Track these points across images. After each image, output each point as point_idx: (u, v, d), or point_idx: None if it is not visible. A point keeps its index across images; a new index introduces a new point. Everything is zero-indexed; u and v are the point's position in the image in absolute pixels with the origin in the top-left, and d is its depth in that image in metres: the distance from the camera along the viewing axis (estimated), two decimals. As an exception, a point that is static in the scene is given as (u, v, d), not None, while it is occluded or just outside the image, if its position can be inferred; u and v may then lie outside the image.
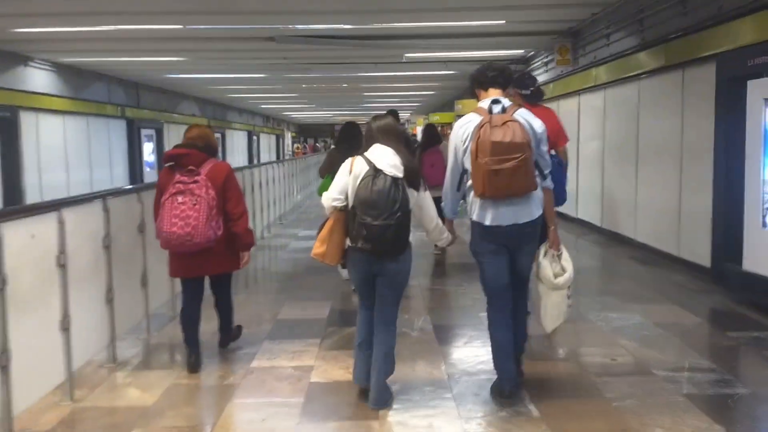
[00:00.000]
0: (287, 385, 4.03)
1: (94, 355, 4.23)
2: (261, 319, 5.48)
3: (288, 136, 43.77)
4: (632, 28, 8.65)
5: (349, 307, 6.02)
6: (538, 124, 3.61)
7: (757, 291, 5.50)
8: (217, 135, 23.59)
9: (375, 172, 3.42)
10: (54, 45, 11.72)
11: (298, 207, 14.67)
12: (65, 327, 3.72)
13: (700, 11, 6.87)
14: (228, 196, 4.12)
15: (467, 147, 3.55)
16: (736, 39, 6.03)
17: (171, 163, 4.13)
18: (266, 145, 34.93)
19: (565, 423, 3.48)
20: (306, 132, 49.76)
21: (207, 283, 4.44)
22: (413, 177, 3.50)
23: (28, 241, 3.43)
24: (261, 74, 15.98)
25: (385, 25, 10.19)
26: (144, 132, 17.98)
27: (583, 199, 10.75)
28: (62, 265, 3.69)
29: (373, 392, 3.64)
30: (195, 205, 3.90)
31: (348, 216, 3.50)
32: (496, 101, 3.59)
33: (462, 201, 3.85)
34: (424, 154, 7.69)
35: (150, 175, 17.89)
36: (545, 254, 3.81)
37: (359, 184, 3.42)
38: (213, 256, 4.12)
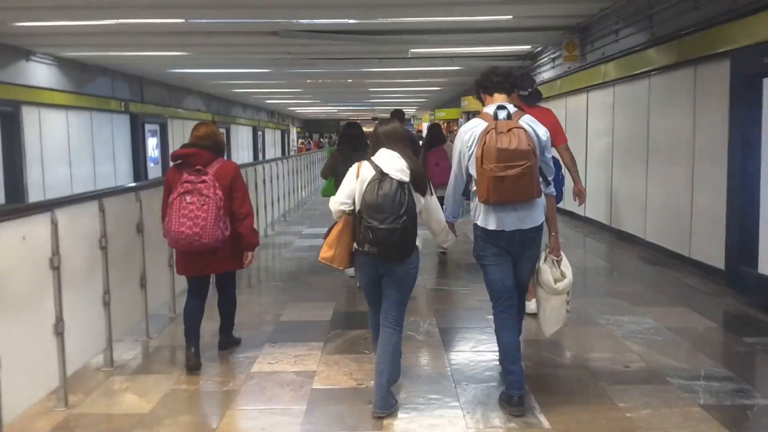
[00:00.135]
0: (289, 391, 3.90)
1: (90, 359, 4.11)
2: (263, 320, 5.36)
3: (293, 132, 43.66)
4: (642, 23, 8.47)
5: (354, 308, 5.90)
6: (542, 131, 3.62)
7: (773, 295, 5.35)
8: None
9: (381, 176, 3.44)
10: (56, 39, 11.63)
11: (303, 204, 14.56)
12: (59, 331, 3.59)
13: (713, 6, 6.69)
14: (234, 195, 4.13)
15: (472, 152, 3.56)
16: (752, 35, 5.85)
17: (178, 162, 4.12)
18: (271, 140, 34.83)
19: (577, 435, 3.35)
20: (311, 127, 49.65)
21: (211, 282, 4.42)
22: (419, 181, 3.52)
23: (19, 242, 3.30)
24: (265, 69, 15.86)
25: (390, 20, 10.04)
26: (148, 127, 17.88)
27: (591, 198, 10.53)
28: (55, 268, 3.56)
29: (377, 397, 3.54)
30: (203, 205, 3.91)
31: (355, 220, 3.51)
32: (501, 107, 3.60)
33: (465, 201, 3.84)
34: (428, 153, 7.61)
35: (154, 170, 17.81)
36: (545, 259, 3.80)
37: (366, 188, 3.44)
38: (220, 255, 4.13)
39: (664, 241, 7.94)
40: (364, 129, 6.90)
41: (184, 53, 13.15)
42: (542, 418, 3.50)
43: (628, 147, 9.10)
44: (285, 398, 3.81)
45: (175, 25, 10.04)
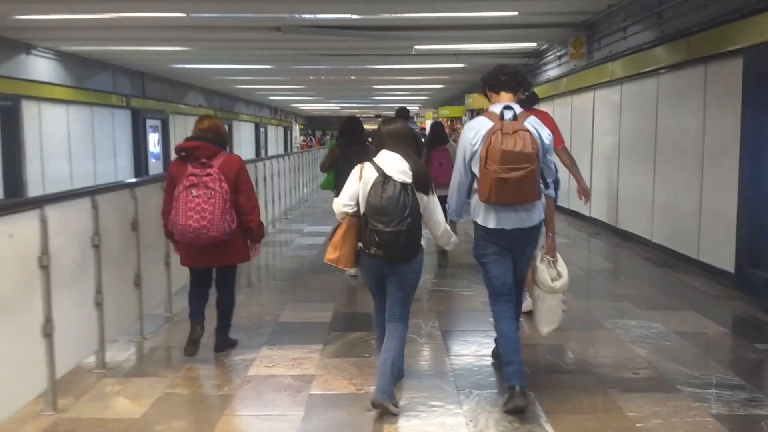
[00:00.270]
0: (286, 396, 3.77)
1: (80, 360, 3.99)
2: (261, 321, 5.22)
3: (296, 128, 43.51)
4: (650, 21, 8.32)
5: (354, 309, 5.78)
6: (546, 134, 3.66)
7: (785, 299, 5.21)
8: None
9: (384, 178, 3.46)
10: (57, 33, 11.51)
11: (305, 201, 14.43)
12: (48, 332, 3.47)
13: (724, 3, 6.53)
14: (241, 189, 4.15)
15: (477, 151, 3.56)
16: (766, 32, 5.70)
17: (182, 154, 4.11)
18: (274, 137, 34.69)
19: (585, 445, 3.21)
20: (314, 124, 49.49)
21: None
22: (422, 180, 3.53)
23: (6, 241, 3.18)
24: (267, 65, 15.72)
25: (394, 16, 9.89)
26: (149, 122, 17.75)
27: (597, 198, 10.43)
28: (45, 267, 3.44)
29: (380, 383, 3.48)
30: (210, 198, 3.92)
31: (360, 222, 3.53)
32: (508, 107, 3.62)
33: (467, 200, 3.84)
34: (431, 152, 7.50)
35: (155, 166, 17.69)
36: (541, 259, 3.83)
37: (369, 191, 3.46)
38: (224, 248, 4.13)
39: (670, 242, 7.79)
40: (367, 126, 6.94)
41: (186, 48, 13.02)
42: (548, 428, 3.37)
43: (635, 146, 8.95)
44: (282, 404, 3.68)
45: (177, 20, 9.91)
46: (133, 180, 5.38)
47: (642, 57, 8.48)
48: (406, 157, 3.54)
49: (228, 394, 3.81)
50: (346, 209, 3.56)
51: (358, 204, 3.54)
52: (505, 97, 3.70)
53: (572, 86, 11.51)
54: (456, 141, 5.08)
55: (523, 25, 10.67)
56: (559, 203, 11.64)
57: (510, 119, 3.55)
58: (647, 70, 8.35)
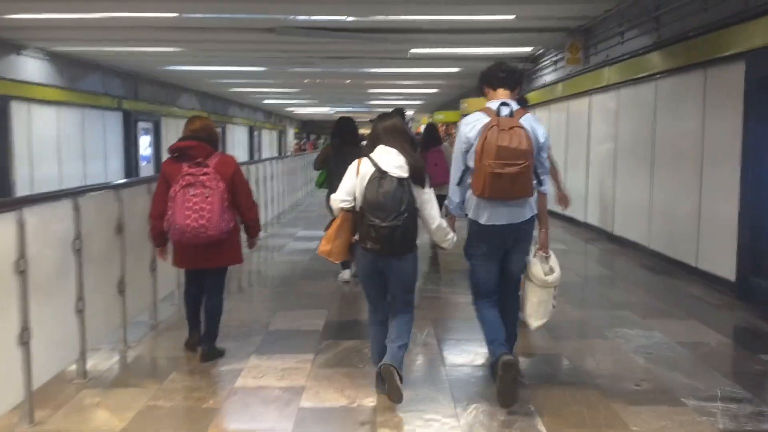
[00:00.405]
0: (274, 410, 3.60)
1: (59, 370, 3.80)
2: (250, 329, 5.04)
3: (290, 133, 43.32)
4: (648, 25, 8.21)
5: (347, 317, 5.62)
6: (541, 132, 3.71)
7: (789, 309, 5.08)
8: (218, 129, 23.37)
9: (381, 173, 3.48)
10: (47, 33, 11.34)
11: (298, 205, 14.26)
12: (24, 341, 3.30)
13: (723, 7, 6.42)
14: (239, 189, 4.19)
15: (473, 145, 3.61)
16: (769, 36, 5.59)
17: (176, 155, 4.10)
18: (267, 141, 34.49)
19: (588, 463, 3.06)
20: (309, 128, 49.30)
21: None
22: (418, 174, 3.55)
23: (-22, 245, 3.01)
24: (261, 68, 15.57)
25: (389, 18, 9.76)
26: (141, 125, 17.57)
27: (593, 203, 10.33)
28: (22, 272, 3.27)
29: (390, 350, 3.59)
30: (208, 197, 3.91)
31: (356, 216, 3.56)
32: (504, 104, 3.67)
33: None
34: (426, 153, 7.44)
35: (146, 169, 17.50)
36: (534, 254, 3.88)
37: (366, 186, 3.49)
38: (219, 248, 4.10)
39: (668, 249, 7.67)
40: (362, 131, 7.05)
41: (179, 49, 12.87)
42: (549, 444, 3.23)
43: (633, 152, 8.84)
44: (270, 418, 3.52)
45: (169, 20, 9.75)
46: (118, 182, 5.19)
47: (639, 62, 8.37)
48: (403, 151, 3.55)
49: (213, 408, 3.63)
50: (343, 204, 3.58)
51: (355, 199, 3.56)
52: (502, 94, 3.75)
53: (568, 91, 11.41)
54: (452, 144, 5.02)
55: (519, 29, 10.58)
56: (554, 209, 11.60)
57: (507, 116, 3.60)
58: (644, 75, 8.25)
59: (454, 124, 23.47)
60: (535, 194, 3.72)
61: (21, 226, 3.27)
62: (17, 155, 12.11)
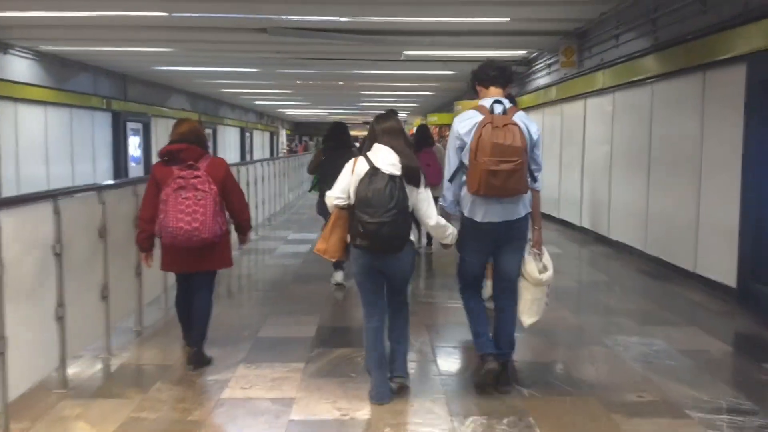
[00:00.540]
0: (262, 423, 3.44)
1: (37, 380, 3.63)
2: (238, 336, 4.88)
3: (283, 134, 43.11)
4: (644, 28, 8.12)
5: (340, 323, 5.47)
6: (534, 129, 3.72)
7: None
8: (209, 131, 23.09)
9: (374, 171, 3.47)
10: (35, 32, 11.14)
11: (289, 207, 14.09)
12: (0, 350, 3.13)
13: (723, 9, 6.32)
14: (231, 191, 4.20)
15: (466, 143, 3.61)
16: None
17: (165, 159, 4.07)
18: (259, 142, 34.27)
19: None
20: (301, 130, 49.10)
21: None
22: (412, 173, 3.53)
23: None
24: (253, 69, 15.40)
25: (382, 19, 9.63)
26: (130, 125, 17.34)
27: (588, 207, 10.22)
28: (-3, 278, 3.11)
29: (397, 363, 3.73)
30: (200, 200, 3.89)
31: (349, 214, 3.56)
32: (497, 101, 3.69)
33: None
34: (418, 153, 7.33)
35: (135, 170, 17.29)
36: (528, 252, 3.89)
37: (358, 182, 3.48)
38: (210, 251, 4.06)
39: (666, 254, 7.56)
40: (354, 133, 7.03)
41: (169, 49, 12.68)
42: (551, 459, 3.09)
43: (629, 156, 8.73)
44: (257, 431, 3.36)
45: (159, 19, 9.58)
46: (101, 183, 5.03)
47: (635, 65, 8.27)
48: (398, 150, 3.55)
49: (198, 420, 3.46)
50: (337, 202, 3.60)
51: (349, 197, 3.56)
52: (495, 92, 3.79)
53: (562, 95, 11.31)
54: (444, 146, 4.93)
55: (514, 32, 10.48)
56: (549, 212, 11.50)
57: (500, 113, 3.63)
58: (641, 78, 8.14)
59: (448, 126, 23.39)
60: (529, 192, 3.74)
61: (-4, 229, 3.10)
62: (3, 155, 11.89)
